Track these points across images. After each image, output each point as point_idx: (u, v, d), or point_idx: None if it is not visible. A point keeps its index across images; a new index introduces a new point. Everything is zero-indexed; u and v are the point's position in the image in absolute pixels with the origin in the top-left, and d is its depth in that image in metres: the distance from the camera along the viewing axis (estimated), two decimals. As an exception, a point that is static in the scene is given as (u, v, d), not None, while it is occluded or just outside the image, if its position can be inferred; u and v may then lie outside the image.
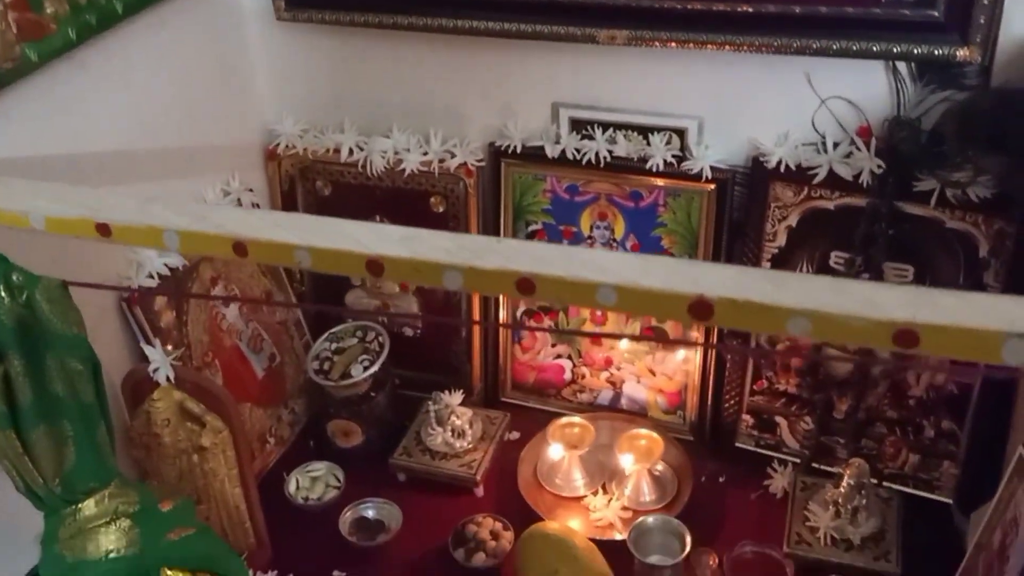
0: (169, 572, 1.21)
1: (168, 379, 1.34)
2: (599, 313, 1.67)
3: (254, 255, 0.92)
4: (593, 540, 1.44)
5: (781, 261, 1.49)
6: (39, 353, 1.03)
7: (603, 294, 0.82)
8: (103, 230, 0.96)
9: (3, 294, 0.99)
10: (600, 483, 1.58)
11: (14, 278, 1.00)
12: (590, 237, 1.60)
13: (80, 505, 1.12)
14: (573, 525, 1.48)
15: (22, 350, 1.01)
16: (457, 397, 1.63)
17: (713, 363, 1.61)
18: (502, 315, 1.74)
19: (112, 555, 1.12)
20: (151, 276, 1.43)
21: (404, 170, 1.62)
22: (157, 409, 1.34)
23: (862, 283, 0.78)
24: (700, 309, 0.79)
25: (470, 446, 1.62)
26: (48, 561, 1.13)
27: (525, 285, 0.84)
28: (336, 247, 0.89)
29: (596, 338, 1.68)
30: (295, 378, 1.75)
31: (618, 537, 1.46)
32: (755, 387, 1.59)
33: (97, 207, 0.97)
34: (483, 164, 1.62)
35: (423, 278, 0.87)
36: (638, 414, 1.68)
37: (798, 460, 1.57)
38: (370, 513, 1.56)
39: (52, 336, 1.02)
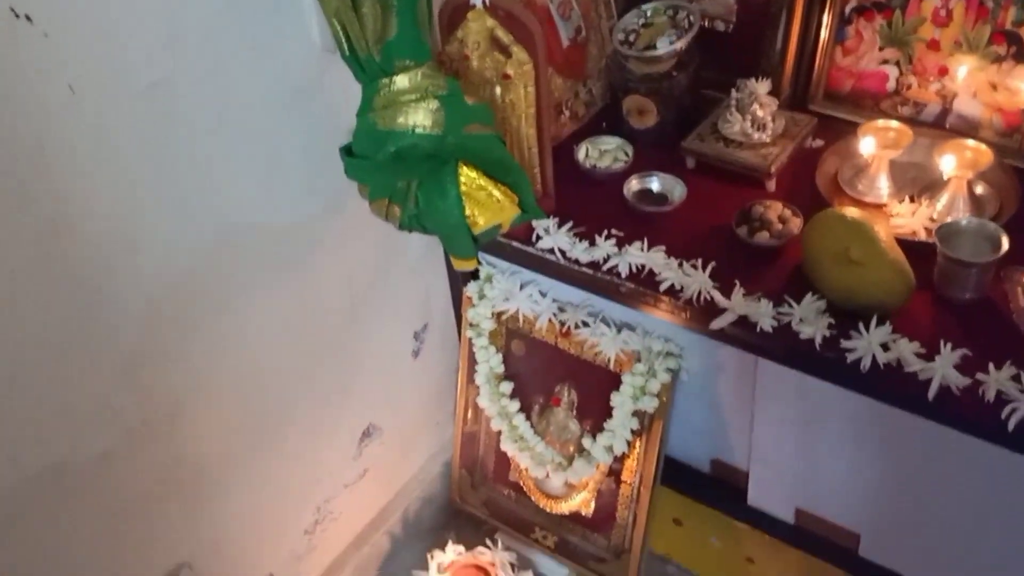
0: (465, 168, 1.26)
1: (484, 3, 1.35)
2: (942, 12, 1.47)
3: None
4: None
5: None
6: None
7: None
8: None
9: None
10: (908, 194, 1.44)
11: None
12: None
13: (395, 78, 1.18)
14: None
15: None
16: (764, 85, 1.53)
17: (1074, 79, 1.38)
18: (826, 20, 1.59)
19: (418, 130, 1.18)
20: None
21: None
22: (470, 31, 1.37)
23: None
24: None
25: (768, 140, 1.53)
26: (361, 128, 1.22)
27: None
28: None
29: (934, 42, 1.50)
30: (597, 59, 1.72)
31: (922, 239, 1.34)
32: (1123, 110, 1.35)
33: None
34: None
35: None
36: (966, 134, 1.50)
37: None
38: (655, 185, 1.54)
39: None
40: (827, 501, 1.46)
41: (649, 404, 1.48)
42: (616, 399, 1.51)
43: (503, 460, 1.75)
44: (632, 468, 1.58)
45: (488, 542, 1.72)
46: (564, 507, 1.68)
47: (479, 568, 1.68)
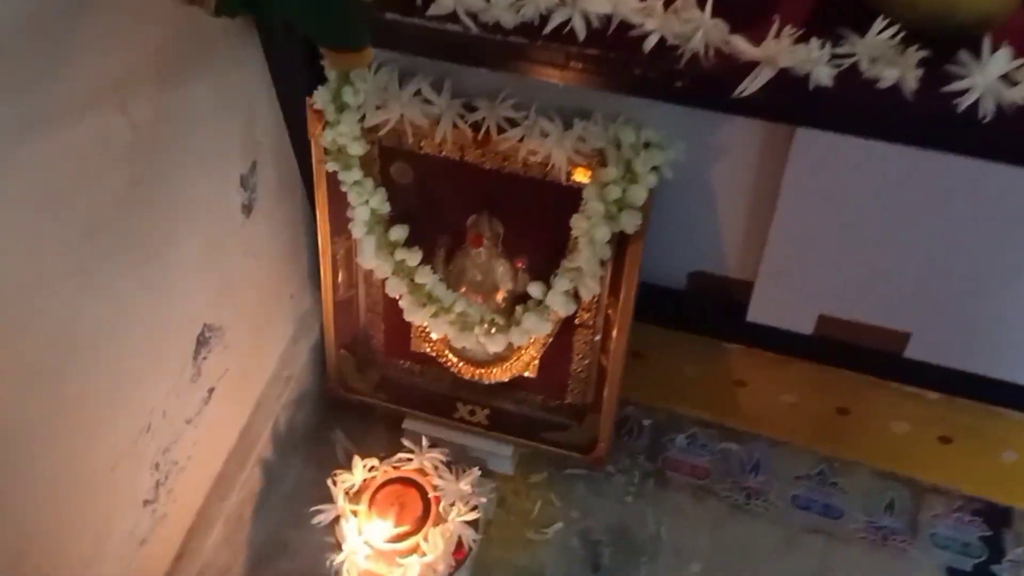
0: None
1: None
2: None
3: None
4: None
5: None
6: None
7: None
8: None
9: None
10: None
11: None
12: None
13: None
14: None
15: None
16: None
17: None
18: None
19: None
20: None
21: None
22: None
23: None
24: None
25: None
26: None
27: None
28: None
29: None
30: None
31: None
32: None
33: None
34: None
35: None
36: None
37: None
38: None
39: None
40: (866, 302, 1.12)
41: (630, 223, 1.02)
42: (580, 224, 1.04)
43: (398, 327, 1.27)
44: (594, 308, 1.15)
45: (404, 441, 1.26)
46: (502, 374, 1.24)
47: (406, 483, 1.22)
